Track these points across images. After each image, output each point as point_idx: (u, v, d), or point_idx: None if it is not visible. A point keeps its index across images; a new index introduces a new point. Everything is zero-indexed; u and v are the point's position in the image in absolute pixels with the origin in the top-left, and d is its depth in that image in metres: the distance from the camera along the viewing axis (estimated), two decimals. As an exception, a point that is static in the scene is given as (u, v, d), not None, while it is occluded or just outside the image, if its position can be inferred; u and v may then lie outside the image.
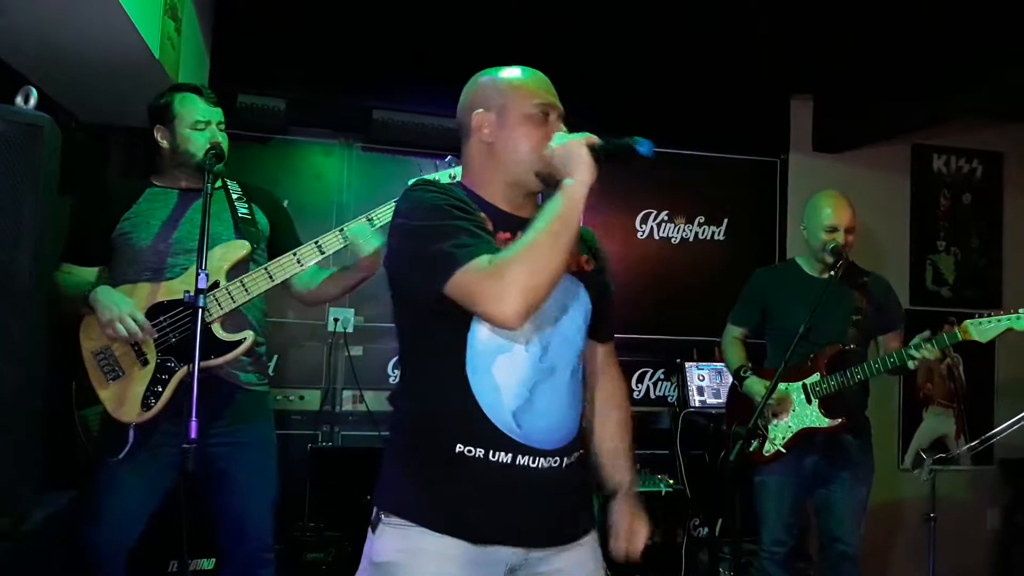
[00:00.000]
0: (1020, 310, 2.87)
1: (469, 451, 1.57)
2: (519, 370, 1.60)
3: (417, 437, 1.65)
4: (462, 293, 1.47)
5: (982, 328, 2.89)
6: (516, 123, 1.67)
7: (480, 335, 1.59)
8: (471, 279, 1.45)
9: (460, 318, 1.56)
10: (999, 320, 2.87)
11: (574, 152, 1.56)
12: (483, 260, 1.46)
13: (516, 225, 1.64)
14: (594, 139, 1.59)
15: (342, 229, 2.55)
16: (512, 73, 1.73)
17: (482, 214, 1.63)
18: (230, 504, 2.55)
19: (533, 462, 1.59)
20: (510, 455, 1.58)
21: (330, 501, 3.82)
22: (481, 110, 1.69)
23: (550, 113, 1.69)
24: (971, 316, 2.95)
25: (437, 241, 1.50)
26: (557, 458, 1.63)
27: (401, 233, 1.61)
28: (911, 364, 2.95)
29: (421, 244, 1.54)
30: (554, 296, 1.55)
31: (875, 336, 3.29)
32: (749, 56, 4.36)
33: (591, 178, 1.54)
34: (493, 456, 1.57)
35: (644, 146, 1.56)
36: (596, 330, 1.83)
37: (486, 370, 1.59)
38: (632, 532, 1.85)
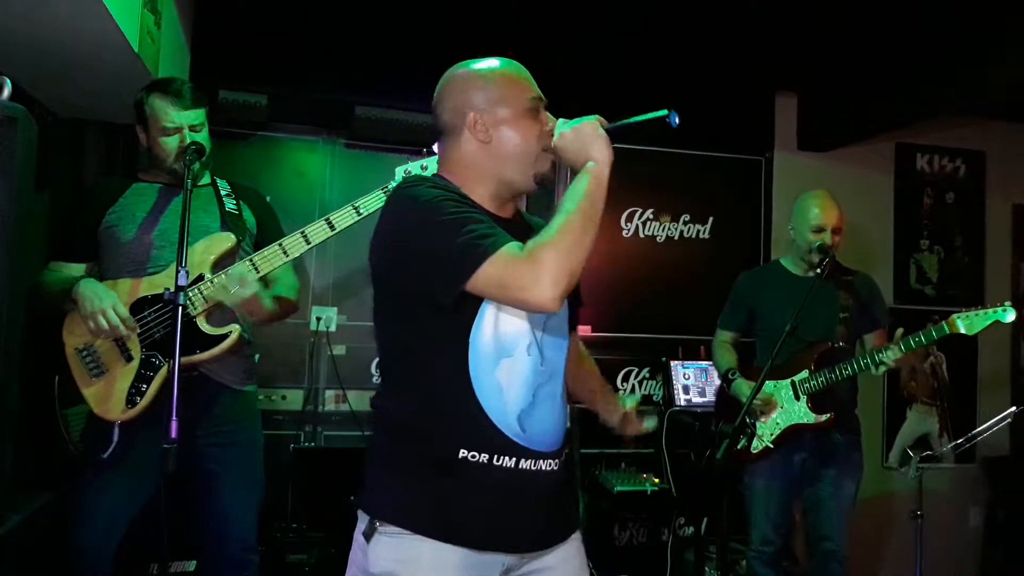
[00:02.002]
0: (1006, 303, 2.89)
1: (472, 456, 1.54)
2: (523, 373, 1.59)
3: (414, 442, 1.58)
4: (494, 282, 1.44)
5: (969, 321, 2.90)
6: (514, 120, 1.63)
7: (483, 338, 1.56)
8: (504, 267, 1.42)
9: (465, 321, 1.53)
10: (986, 313, 2.89)
11: (590, 134, 1.56)
12: (513, 247, 1.44)
13: (501, 226, 1.60)
14: (601, 119, 1.60)
15: (328, 219, 2.48)
16: (497, 67, 1.67)
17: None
18: (215, 504, 2.51)
19: (535, 465, 1.58)
20: (513, 459, 1.56)
21: (313, 502, 3.78)
22: (472, 111, 1.63)
23: (539, 105, 1.67)
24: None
25: (457, 235, 1.46)
26: (555, 460, 1.63)
27: (409, 230, 1.53)
28: (877, 372, 2.99)
29: (439, 239, 1.47)
30: None
31: (860, 335, 3.29)
32: (734, 54, 4.36)
33: (611, 157, 1.55)
34: (497, 460, 1.55)
35: (672, 119, 1.61)
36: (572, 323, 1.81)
37: (489, 374, 1.56)
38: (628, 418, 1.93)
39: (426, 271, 1.50)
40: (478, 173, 1.65)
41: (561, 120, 1.64)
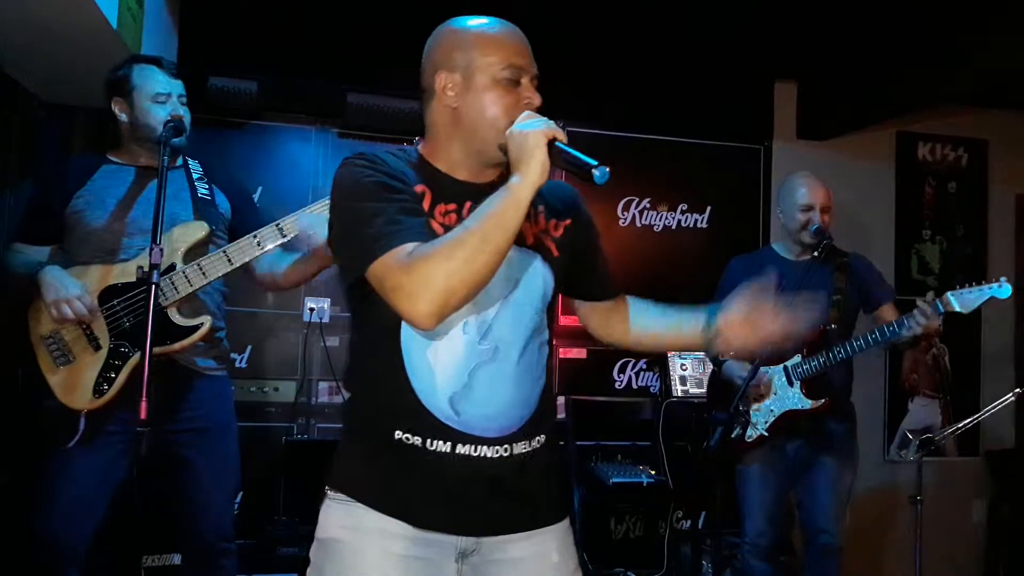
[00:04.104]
0: (1002, 279, 2.82)
1: (407, 439, 1.49)
2: (455, 353, 1.49)
3: (360, 420, 1.59)
4: (378, 283, 1.38)
5: (963, 298, 2.83)
6: (483, 87, 1.49)
7: None
8: (386, 271, 1.35)
9: None
10: (980, 290, 2.82)
11: (530, 147, 1.39)
12: (403, 251, 1.35)
13: (468, 194, 1.53)
14: (558, 133, 1.41)
15: (304, 212, 2.44)
16: (480, 27, 1.55)
17: (418, 188, 1.51)
18: (190, 492, 2.47)
19: (475, 451, 1.48)
20: (448, 444, 1.47)
21: (305, 495, 3.71)
22: (444, 71, 1.52)
23: (522, 76, 1.51)
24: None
25: (359, 224, 1.41)
26: (505, 446, 1.51)
27: (332, 211, 1.51)
28: (905, 332, 2.85)
29: (345, 225, 1.46)
30: (500, 272, 1.41)
31: (868, 312, 3.23)
32: (733, 41, 4.31)
33: (541, 179, 1.38)
34: (431, 445, 1.47)
35: (601, 174, 1.38)
36: (584, 291, 1.73)
37: (421, 354, 1.49)
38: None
39: (339, 254, 1.52)
40: (447, 140, 1.56)
41: (525, 114, 1.47)
